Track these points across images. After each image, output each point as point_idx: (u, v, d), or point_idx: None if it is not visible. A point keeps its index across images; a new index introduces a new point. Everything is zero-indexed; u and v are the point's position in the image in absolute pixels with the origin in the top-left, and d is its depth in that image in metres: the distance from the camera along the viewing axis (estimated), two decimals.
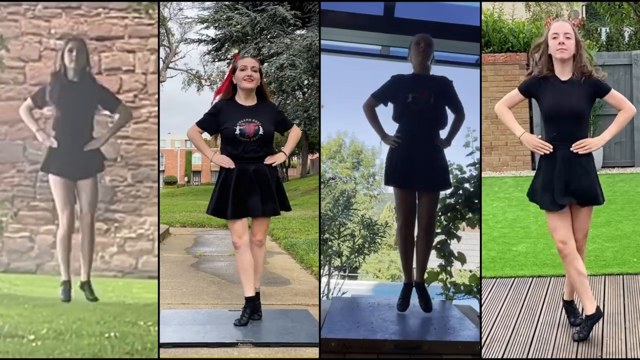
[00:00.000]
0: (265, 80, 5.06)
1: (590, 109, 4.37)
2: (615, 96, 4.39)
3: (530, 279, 5.94)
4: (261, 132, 4.77)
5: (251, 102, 4.88)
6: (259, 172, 4.81)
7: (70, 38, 5.53)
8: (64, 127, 5.33)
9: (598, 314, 4.44)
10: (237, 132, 4.76)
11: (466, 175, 6.56)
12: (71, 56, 5.30)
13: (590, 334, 4.49)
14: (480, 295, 5.63)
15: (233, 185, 4.77)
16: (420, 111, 5.08)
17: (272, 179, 4.87)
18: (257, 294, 4.98)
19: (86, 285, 5.38)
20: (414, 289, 5.27)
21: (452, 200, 6.48)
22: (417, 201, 5.21)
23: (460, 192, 6.50)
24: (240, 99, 4.88)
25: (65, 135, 5.33)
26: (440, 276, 6.41)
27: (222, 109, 4.86)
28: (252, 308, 4.88)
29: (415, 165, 5.04)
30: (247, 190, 4.79)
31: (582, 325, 4.50)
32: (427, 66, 5.18)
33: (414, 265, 5.30)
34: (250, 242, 4.95)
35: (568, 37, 4.27)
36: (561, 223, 4.35)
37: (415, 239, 5.27)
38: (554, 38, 4.28)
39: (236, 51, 21.70)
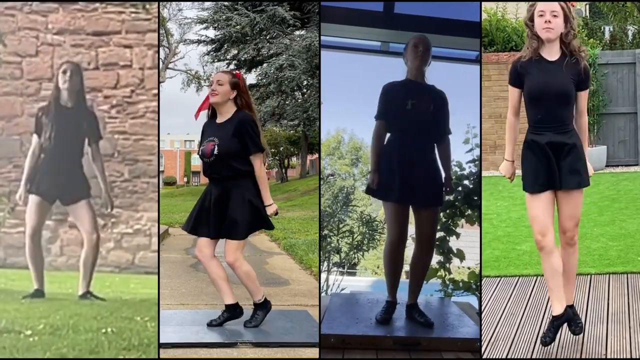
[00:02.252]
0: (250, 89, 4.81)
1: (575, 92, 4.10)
2: (583, 99, 4.15)
3: (535, 277, 5.87)
4: (216, 151, 4.56)
5: (225, 117, 4.68)
6: (221, 194, 4.62)
7: (65, 61, 5.43)
8: (52, 150, 5.18)
9: (565, 316, 4.21)
10: (200, 153, 4.67)
11: (465, 172, 6.50)
12: (65, 77, 5.19)
13: (594, 333, 4.44)
14: (480, 293, 5.59)
15: (199, 203, 4.72)
16: (419, 121, 4.84)
17: (234, 203, 4.61)
18: (257, 304, 4.83)
19: (88, 295, 5.28)
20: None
21: (451, 197, 6.42)
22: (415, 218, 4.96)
23: (460, 189, 6.44)
24: (218, 117, 4.72)
25: (53, 159, 5.19)
26: (439, 273, 6.38)
27: (203, 131, 4.76)
28: (230, 314, 4.77)
29: (413, 180, 4.78)
30: (207, 210, 4.66)
31: (547, 327, 4.28)
32: (423, 71, 4.96)
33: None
34: None
35: (555, 15, 3.99)
36: (542, 212, 4.07)
37: (412, 259, 5.02)
38: (540, 16, 4.01)
39: (235, 52, 21.66)
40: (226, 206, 4.59)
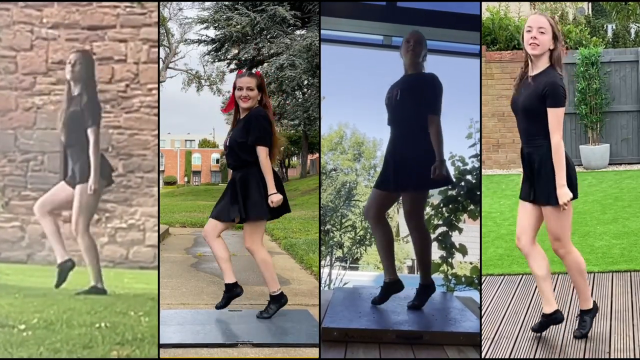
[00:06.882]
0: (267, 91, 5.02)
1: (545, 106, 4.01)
2: (550, 117, 4.00)
3: None
4: (228, 143, 4.92)
5: (245, 113, 4.93)
6: (240, 179, 4.86)
7: (74, 50, 5.42)
8: (68, 136, 5.19)
9: (553, 317, 4.38)
10: (223, 147, 5.08)
11: (468, 167, 6.48)
12: (68, 67, 5.18)
13: (598, 332, 4.41)
14: (480, 287, 5.60)
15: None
16: (391, 111, 4.99)
17: (250, 186, 4.83)
18: (272, 295, 4.96)
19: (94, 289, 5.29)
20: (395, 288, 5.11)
21: (454, 192, 6.39)
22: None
23: (462, 183, 6.43)
24: (242, 113, 4.95)
25: (68, 145, 5.22)
26: (442, 268, 6.41)
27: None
28: (230, 295, 4.97)
29: (391, 166, 4.93)
30: (225, 195, 4.95)
31: (540, 322, 4.43)
32: (417, 64, 4.99)
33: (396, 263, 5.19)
34: None
35: (542, 32, 4.01)
36: (520, 217, 4.26)
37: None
38: (528, 31, 4.05)
39: (236, 51, 21.62)
40: (239, 191, 4.84)
